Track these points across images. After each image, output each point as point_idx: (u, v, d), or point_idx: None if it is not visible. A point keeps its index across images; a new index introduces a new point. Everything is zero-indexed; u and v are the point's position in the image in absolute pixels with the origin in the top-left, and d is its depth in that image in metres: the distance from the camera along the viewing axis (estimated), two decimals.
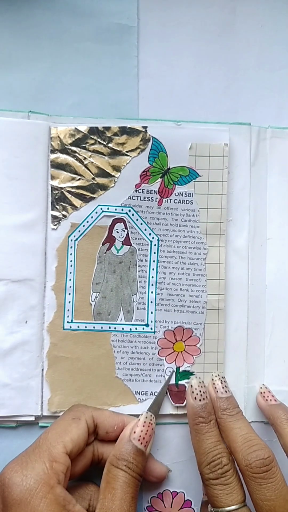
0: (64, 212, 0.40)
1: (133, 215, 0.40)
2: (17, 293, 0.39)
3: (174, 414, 0.40)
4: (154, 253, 0.41)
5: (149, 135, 0.40)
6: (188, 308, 0.41)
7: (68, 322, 0.40)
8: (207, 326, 0.41)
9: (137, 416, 0.37)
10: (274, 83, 0.43)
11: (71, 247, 0.40)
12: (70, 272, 0.40)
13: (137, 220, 0.41)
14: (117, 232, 0.40)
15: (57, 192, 0.40)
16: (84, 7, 0.41)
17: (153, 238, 0.41)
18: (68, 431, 0.34)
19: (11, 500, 0.31)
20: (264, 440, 0.35)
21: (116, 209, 0.40)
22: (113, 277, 0.40)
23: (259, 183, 0.42)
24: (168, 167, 0.41)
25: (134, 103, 0.42)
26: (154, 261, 0.41)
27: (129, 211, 0.40)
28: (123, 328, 0.40)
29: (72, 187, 0.40)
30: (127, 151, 0.40)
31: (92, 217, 0.40)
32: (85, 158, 0.40)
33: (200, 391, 0.38)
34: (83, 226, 0.40)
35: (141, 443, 0.35)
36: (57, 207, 0.40)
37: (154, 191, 0.41)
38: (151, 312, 0.41)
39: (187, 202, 0.41)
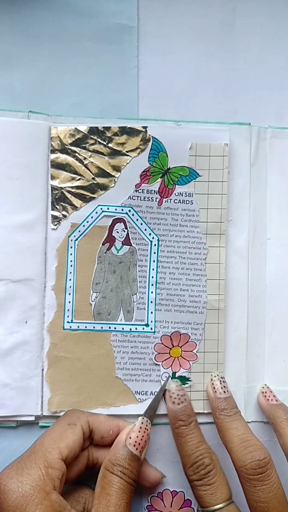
0: (64, 212, 0.40)
1: (133, 215, 0.40)
2: (17, 293, 0.39)
3: None
4: (154, 253, 0.41)
5: (149, 135, 0.40)
6: (188, 308, 0.41)
7: (68, 322, 0.40)
8: (207, 326, 0.41)
9: (138, 415, 0.37)
10: (274, 83, 0.43)
11: (71, 247, 0.40)
12: (70, 272, 0.40)
13: (137, 220, 0.41)
14: (117, 232, 0.40)
15: (57, 192, 0.40)
16: (84, 7, 0.41)
17: (153, 238, 0.41)
18: (63, 437, 0.34)
19: (7, 507, 0.31)
20: (264, 440, 0.35)
21: (116, 209, 0.40)
22: (113, 277, 0.40)
23: (259, 183, 0.42)
24: (168, 167, 0.41)
25: (134, 103, 0.42)
26: (154, 261, 0.41)
27: (129, 211, 0.40)
28: (123, 328, 0.40)
29: (72, 187, 0.40)
30: (127, 151, 0.40)
31: (92, 217, 0.40)
32: (85, 158, 0.40)
33: (178, 395, 0.38)
34: (83, 226, 0.40)
35: (136, 449, 0.35)
36: (57, 207, 0.40)
37: (154, 191, 0.41)
38: (151, 312, 0.41)
39: (187, 202, 0.41)
